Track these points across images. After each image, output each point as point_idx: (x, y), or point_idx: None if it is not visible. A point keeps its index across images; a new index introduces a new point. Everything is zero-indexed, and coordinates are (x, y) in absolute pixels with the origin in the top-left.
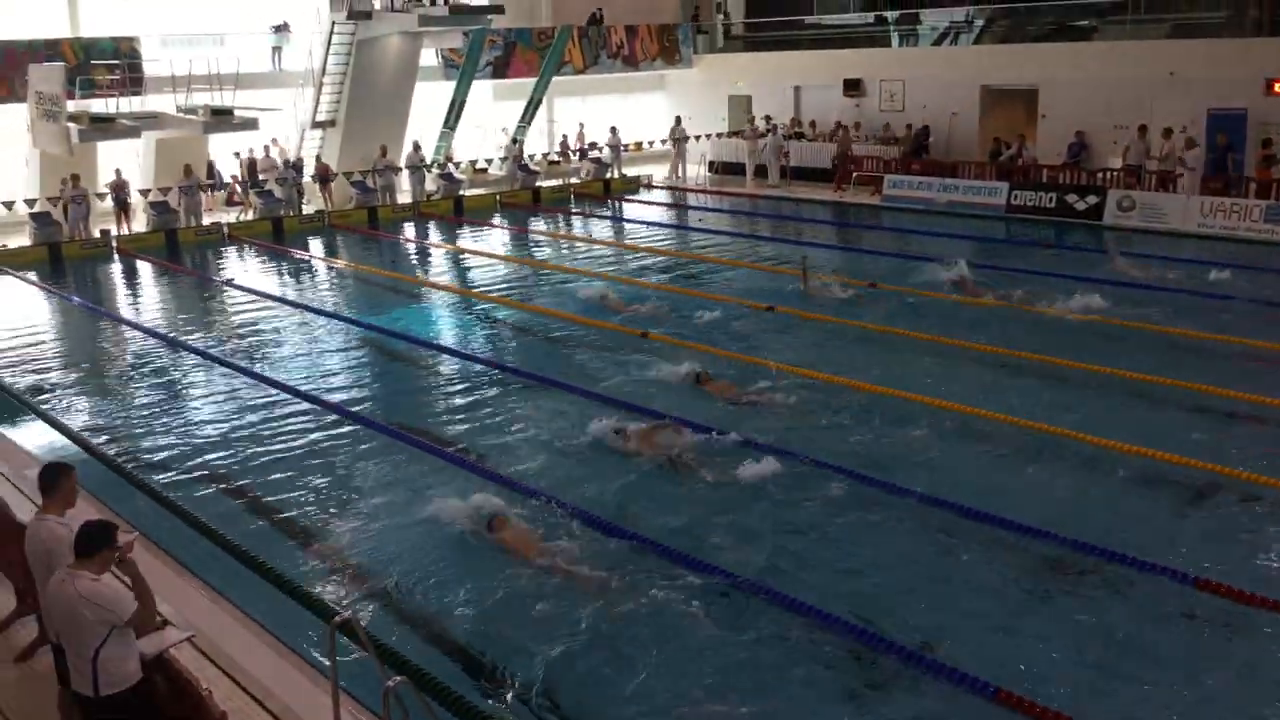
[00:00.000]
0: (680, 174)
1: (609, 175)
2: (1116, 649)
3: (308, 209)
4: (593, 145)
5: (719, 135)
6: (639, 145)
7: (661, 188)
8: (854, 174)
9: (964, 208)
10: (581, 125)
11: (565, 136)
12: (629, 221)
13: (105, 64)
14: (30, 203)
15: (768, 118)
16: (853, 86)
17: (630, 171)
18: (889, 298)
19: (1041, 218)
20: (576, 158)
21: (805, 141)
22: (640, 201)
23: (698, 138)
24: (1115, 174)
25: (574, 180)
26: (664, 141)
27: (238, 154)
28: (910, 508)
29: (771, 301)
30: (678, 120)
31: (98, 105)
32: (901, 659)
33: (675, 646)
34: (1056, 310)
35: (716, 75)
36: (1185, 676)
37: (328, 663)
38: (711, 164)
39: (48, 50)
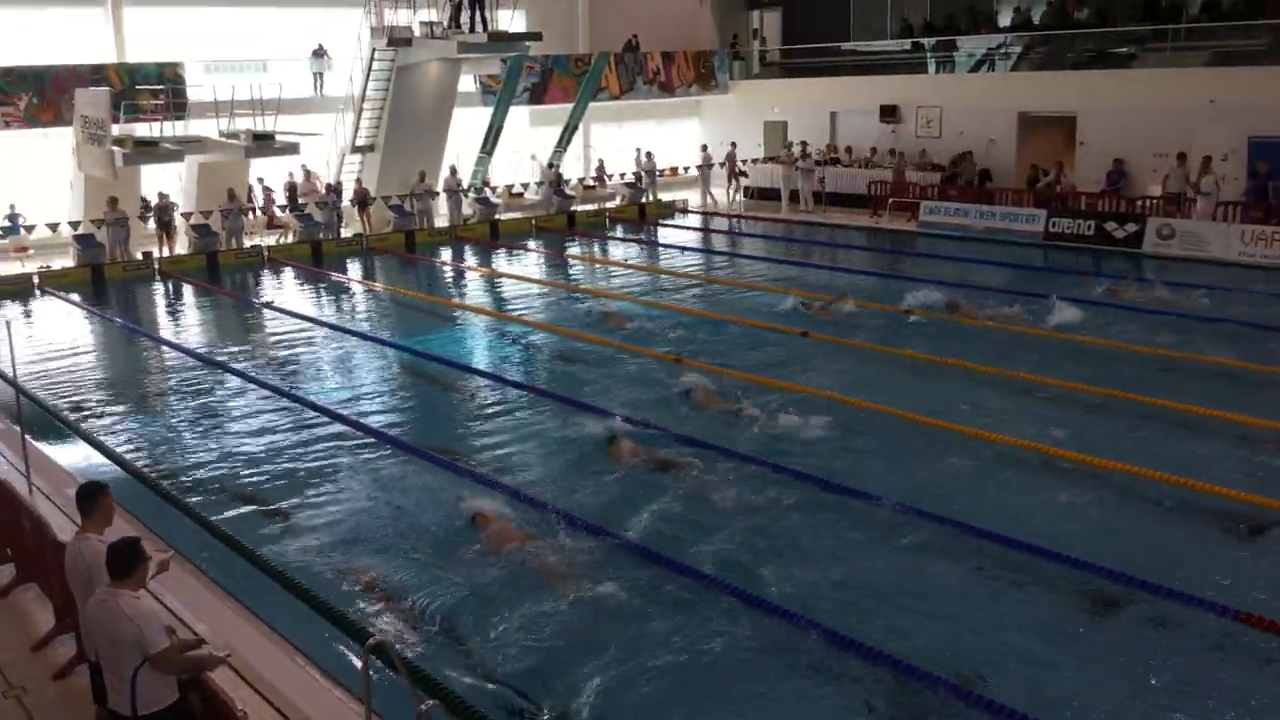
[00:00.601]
0: (711, 200)
1: (644, 200)
2: (1164, 685)
3: (346, 232)
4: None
5: (754, 161)
6: (674, 170)
7: (696, 212)
8: (890, 200)
9: (1001, 234)
10: (601, 161)
11: (601, 161)
12: (663, 246)
13: (150, 89)
14: (74, 225)
15: (804, 143)
16: (889, 113)
17: (665, 196)
18: (926, 324)
19: (1080, 245)
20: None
21: (841, 167)
22: (675, 226)
23: (722, 164)
24: (1155, 201)
25: (609, 205)
26: (698, 168)
27: (291, 174)
28: (948, 536)
29: (805, 326)
30: (704, 148)
31: (142, 129)
32: (942, 691)
33: (723, 675)
34: (1095, 339)
35: (752, 101)
36: (1235, 716)
37: (361, 685)
38: (747, 189)
39: (94, 75)
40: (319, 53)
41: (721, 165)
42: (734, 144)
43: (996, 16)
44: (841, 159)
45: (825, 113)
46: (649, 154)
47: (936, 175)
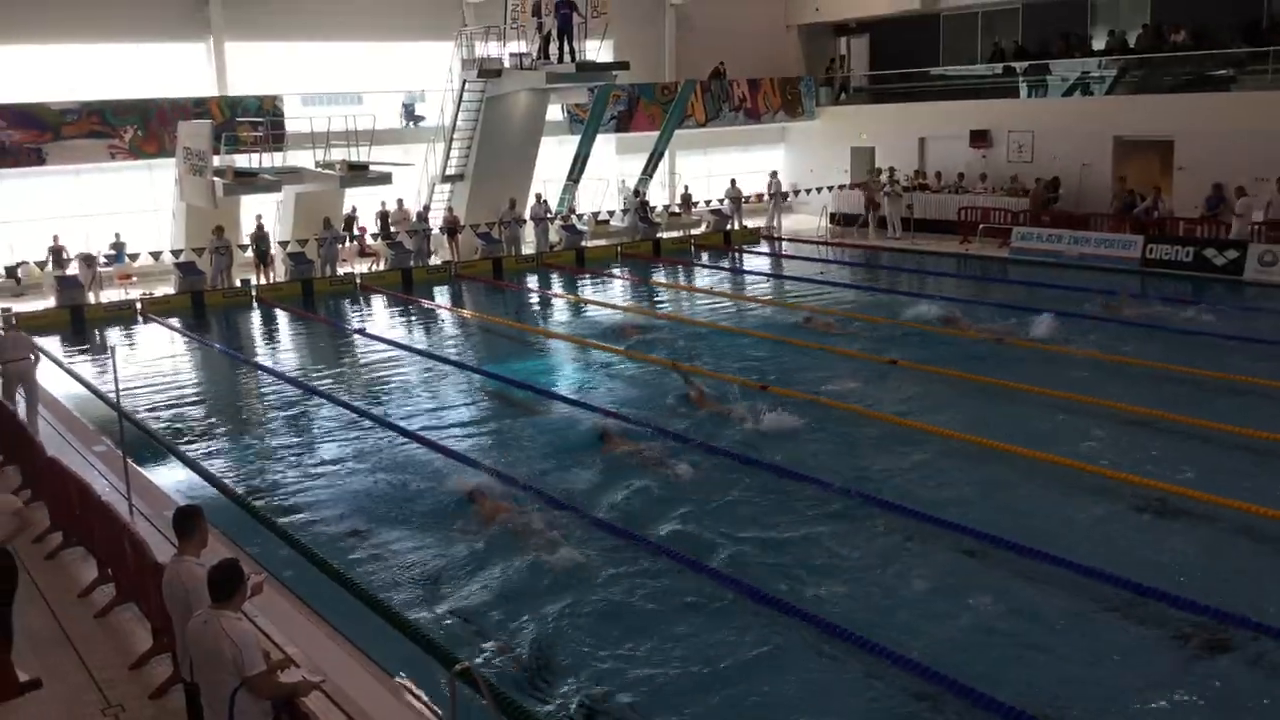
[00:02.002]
0: (775, 224)
1: (729, 227)
2: None
3: (435, 260)
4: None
5: (840, 187)
6: (759, 197)
7: (782, 239)
8: (981, 226)
9: (1096, 261)
10: (687, 188)
11: (687, 188)
12: (748, 273)
13: (249, 121)
14: (176, 253)
15: (891, 169)
16: (980, 137)
17: (751, 223)
18: (1016, 352)
19: (1178, 272)
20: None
21: (929, 193)
22: (760, 253)
23: (796, 192)
24: (1257, 228)
25: (695, 232)
26: (785, 195)
27: (384, 204)
28: (1029, 568)
29: (894, 355)
30: (773, 175)
31: (241, 160)
32: None
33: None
34: (1189, 368)
35: (839, 127)
36: None
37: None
38: (833, 216)
39: (196, 108)
40: (414, 103)
41: (785, 195)
42: (774, 172)
43: (1090, 40)
44: (930, 184)
45: (914, 138)
46: (733, 180)
47: (1028, 201)
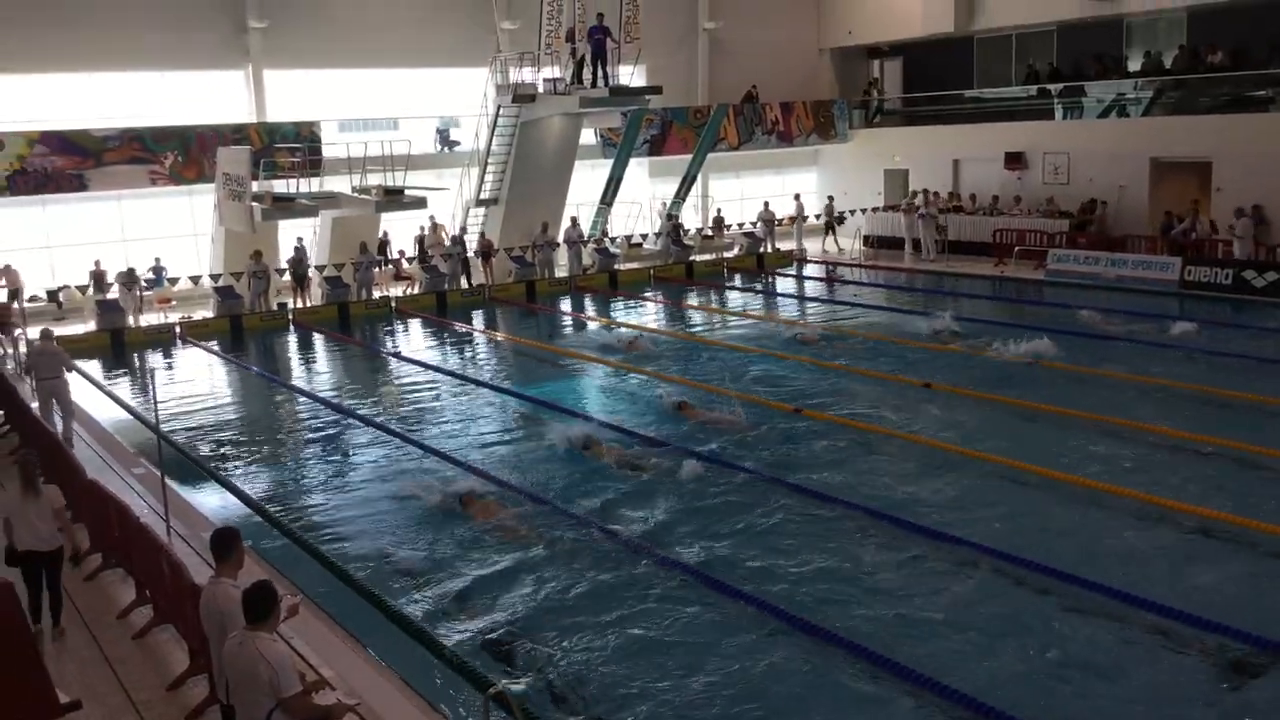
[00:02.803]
0: (802, 247)
1: (762, 250)
2: None
3: (469, 283)
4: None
5: (874, 210)
6: (792, 220)
7: (815, 262)
8: (1016, 248)
9: (1133, 283)
10: (720, 211)
11: (720, 210)
12: (781, 296)
13: (287, 147)
14: (215, 277)
15: (925, 191)
16: (1015, 159)
17: (784, 246)
18: (1053, 374)
19: (1217, 294)
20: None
21: (964, 215)
22: (794, 276)
23: (818, 216)
24: None
25: (727, 255)
26: (817, 216)
27: (422, 228)
28: (1074, 595)
29: (927, 377)
30: (796, 197)
31: (279, 186)
32: None
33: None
34: (1235, 392)
35: (873, 149)
36: None
37: None
38: (867, 238)
39: (235, 134)
40: (448, 128)
41: (819, 218)
42: (796, 195)
43: (1126, 61)
44: (965, 206)
45: (948, 160)
46: (766, 203)
47: (1064, 222)
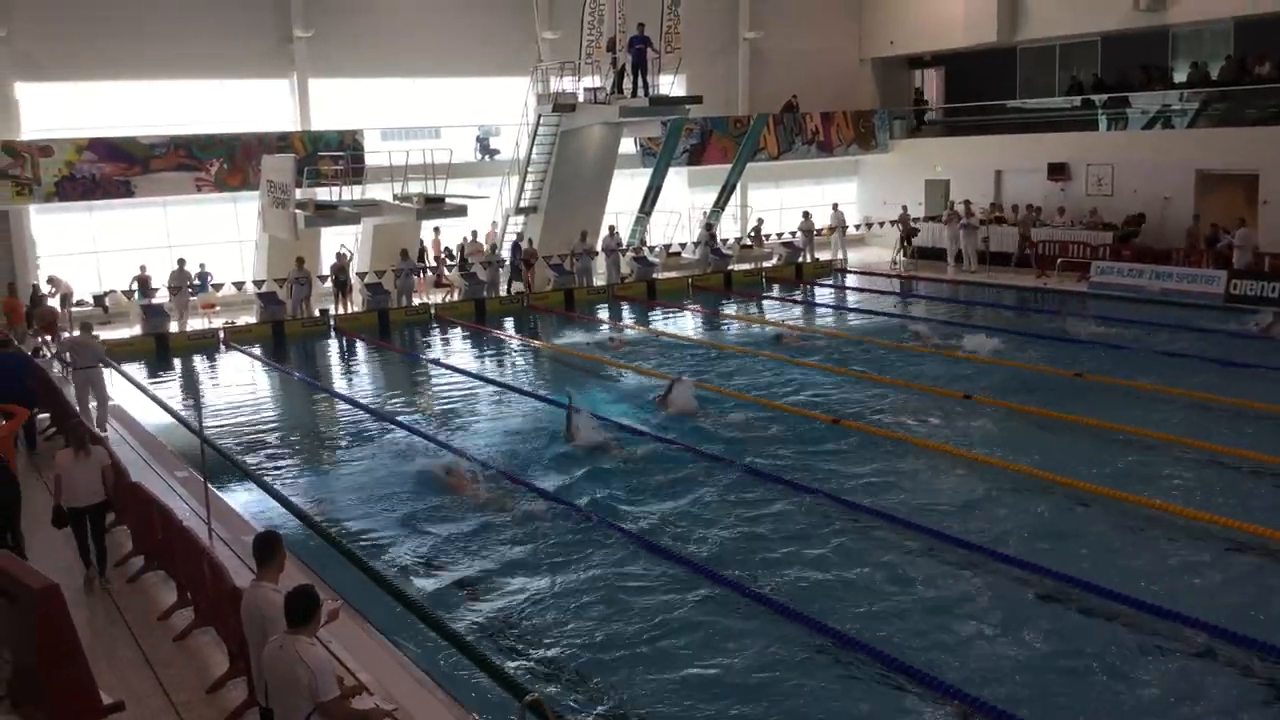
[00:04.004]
0: (842, 256)
1: (801, 260)
2: None
3: (508, 290)
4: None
5: (915, 220)
6: (831, 230)
7: (855, 272)
8: (1059, 260)
9: (1178, 296)
10: (761, 220)
11: (761, 220)
12: (820, 306)
13: (331, 155)
14: (259, 284)
15: (967, 202)
16: (1058, 170)
17: (823, 256)
18: (1096, 389)
19: (1264, 308)
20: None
21: (1006, 226)
22: (833, 286)
23: (857, 226)
24: None
25: (766, 264)
26: (857, 226)
27: (465, 238)
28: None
29: (967, 389)
30: (834, 206)
31: (322, 193)
32: None
33: None
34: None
35: (913, 159)
36: None
37: None
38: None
39: (280, 142)
40: (487, 137)
41: (894, 224)
42: (834, 204)
43: (1171, 72)
44: (1007, 218)
45: (990, 171)
46: (806, 213)
47: (1108, 234)
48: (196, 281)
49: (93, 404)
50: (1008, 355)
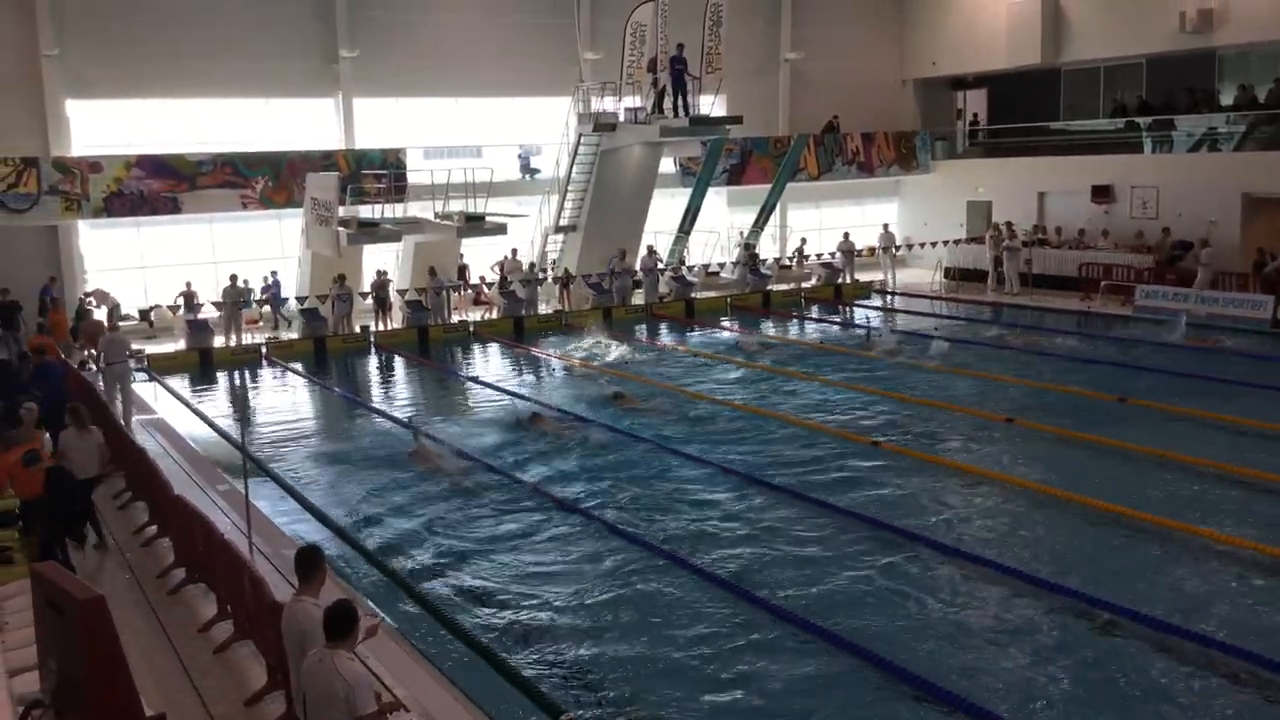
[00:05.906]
0: (891, 278)
1: (840, 280)
2: None
3: (546, 309)
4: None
5: (956, 242)
6: (872, 251)
7: (894, 293)
8: (1103, 283)
9: (1224, 321)
10: (803, 240)
11: (804, 240)
12: (859, 327)
13: (373, 173)
14: (301, 300)
15: (1009, 224)
16: (1102, 193)
17: (864, 277)
18: (1138, 412)
19: None
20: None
21: (1049, 249)
22: (872, 307)
23: (910, 246)
24: None
25: (805, 285)
26: (897, 248)
27: (505, 257)
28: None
29: (1010, 413)
30: (885, 226)
31: (365, 211)
32: None
33: None
34: None
35: (955, 180)
36: None
37: None
38: (948, 270)
39: (324, 160)
40: (529, 154)
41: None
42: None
43: (1218, 95)
44: (1050, 240)
45: (1032, 193)
46: (846, 234)
47: (1151, 258)
48: (261, 296)
49: (118, 401)
50: (1050, 379)
